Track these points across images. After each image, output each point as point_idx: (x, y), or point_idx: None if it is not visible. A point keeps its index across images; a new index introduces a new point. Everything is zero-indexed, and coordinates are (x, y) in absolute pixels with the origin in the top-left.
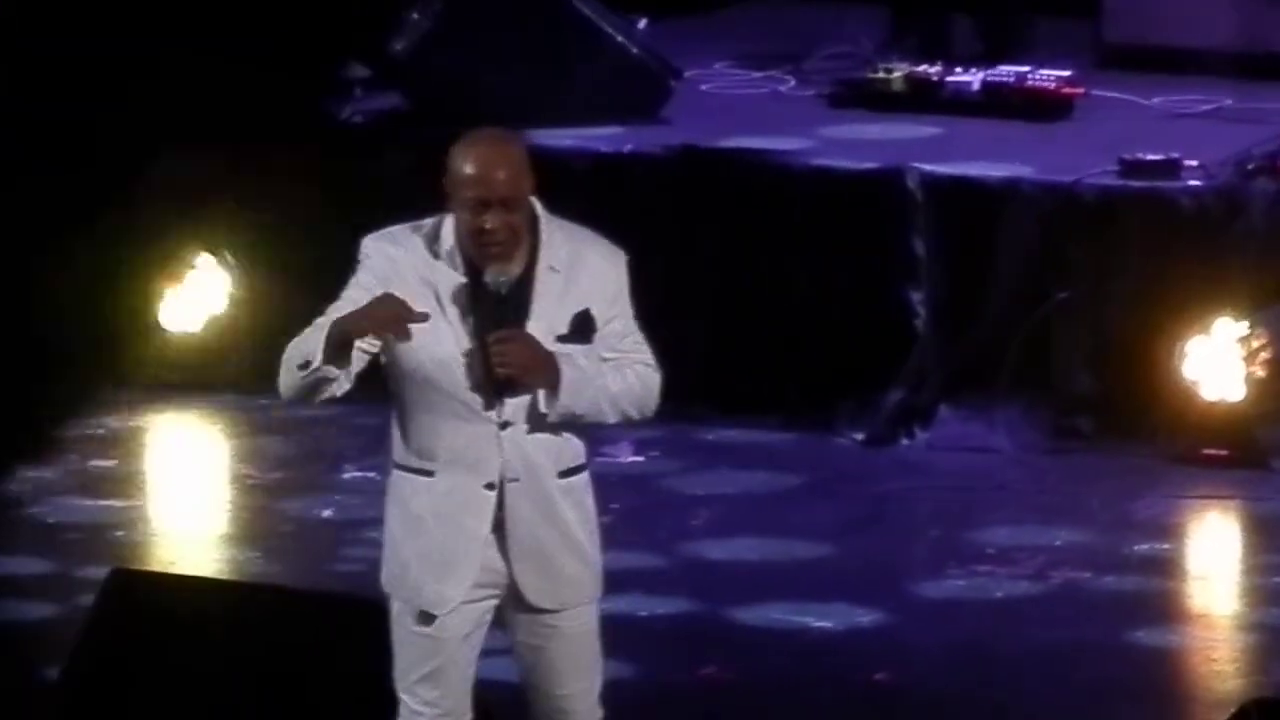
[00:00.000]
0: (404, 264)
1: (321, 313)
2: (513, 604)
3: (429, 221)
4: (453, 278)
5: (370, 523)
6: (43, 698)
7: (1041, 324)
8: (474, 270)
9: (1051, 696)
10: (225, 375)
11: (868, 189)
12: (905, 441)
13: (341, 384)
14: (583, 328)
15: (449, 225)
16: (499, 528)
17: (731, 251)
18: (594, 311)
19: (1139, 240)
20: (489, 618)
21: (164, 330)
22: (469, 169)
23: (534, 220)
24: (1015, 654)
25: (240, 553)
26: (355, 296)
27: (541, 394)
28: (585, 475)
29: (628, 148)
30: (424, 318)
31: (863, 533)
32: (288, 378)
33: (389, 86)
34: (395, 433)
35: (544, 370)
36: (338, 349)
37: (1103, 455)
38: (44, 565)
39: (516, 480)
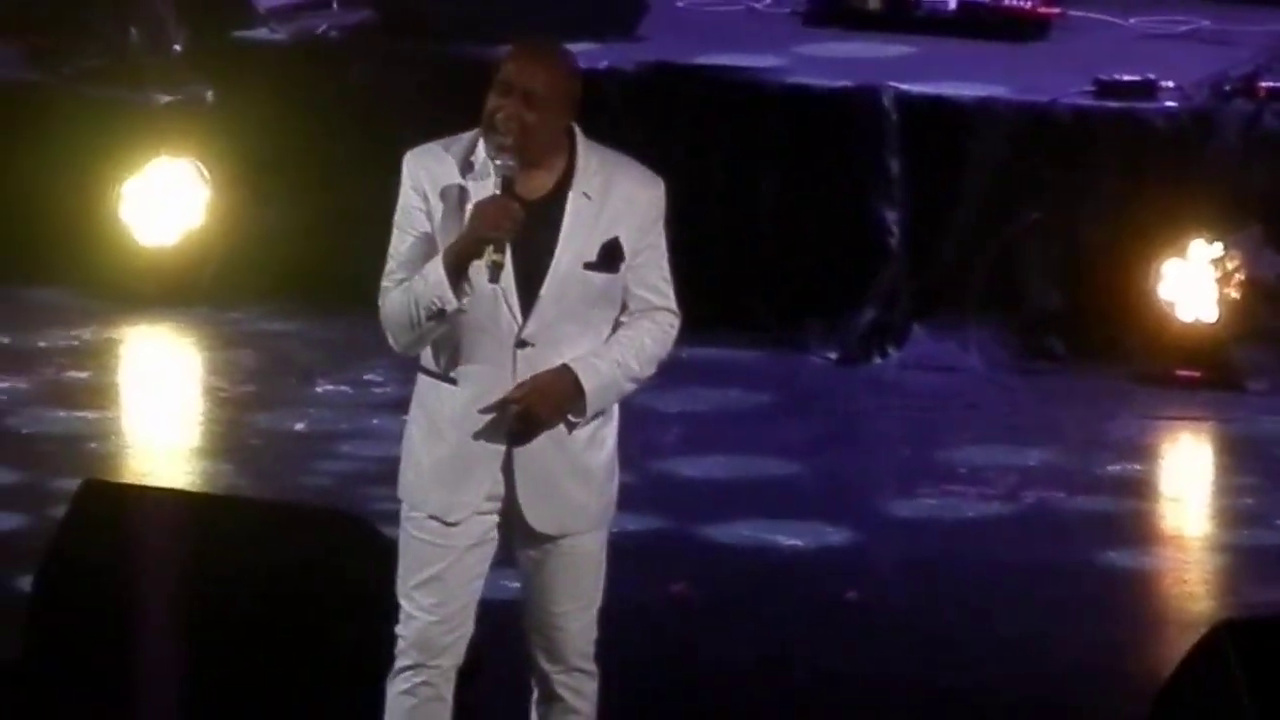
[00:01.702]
0: (441, 177)
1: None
2: (516, 522)
3: (465, 135)
4: (484, 189)
5: (342, 436)
6: (13, 607)
7: (1014, 244)
8: (507, 183)
9: (1022, 617)
10: (198, 289)
11: (842, 107)
12: (877, 360)
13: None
14: (611, 256)
15: (483, 139)
16: (508, 446)
17: (705, 169)
18: (624, 240)
19: (1114, 161)
20: (495, 535)
21: (136, 242)
22: (510, 59)
23: (571, 146)
24: (986, 574)
25: (212, 465)
26: (411, 218)
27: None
28: (609, 409)
29: (603, 64)
30: (520, 213)
31: (834, 451)
32: (411, 334)
33: (363, 2)
34: None
35: (566, 408)
36: (460, 278)
37: (1075, 375)
38: (16, 476)
39: None
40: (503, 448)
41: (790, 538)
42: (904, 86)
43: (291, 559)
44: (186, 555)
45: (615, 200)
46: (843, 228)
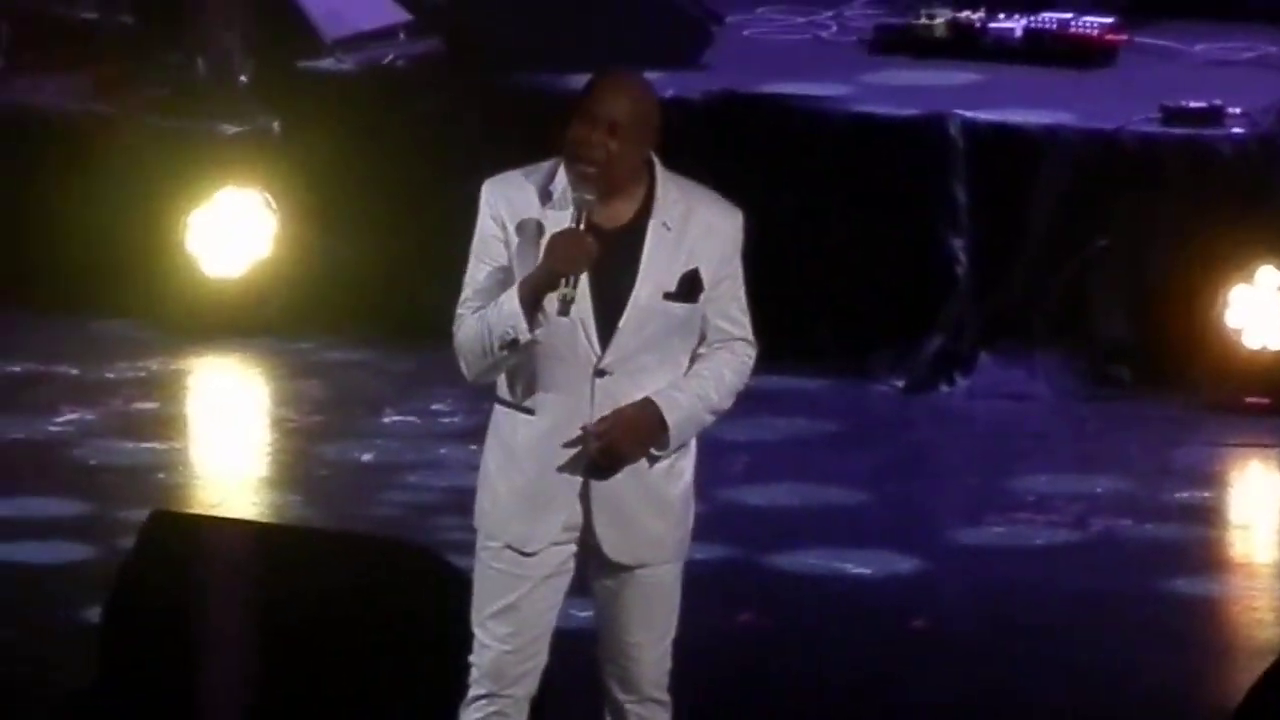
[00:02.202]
0: (521, 207)
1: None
2: (592, 551)
3: (545, 165)
4: (563, 220)
5: (409, 466)
6: (82, 637)
7: (1082, 271)
8: (583, 215)
9: (1091, 645)
10: (265, 319)
11: (909, 135)
12: (944, 388)
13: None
14: (690, 288)
15: (563, 168)
16: (586, 477)
17: (771, 198)
18: (703, 272)
19: (1181, 188)
20: (571, 566)
21: (203, 273)
22: (592, 89)
23: (651, 175)
24: (1054, 602)
25: (279, 495)
26: (488, 247)
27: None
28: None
29: (669, 93)
30: (595, 247)
31: (901, 480)
32: (483, 362)
33: (430, 31)
34: None
35: (649, 442)
36: (534, 310)
37: (1142, 403)
38: (84, 507)
39: None
40: (580, 478)
41: (858, 566)
42: (970, 114)
43: (359, 589)
44: (254, 585)
45: (695, 230)
46: (909, 256)
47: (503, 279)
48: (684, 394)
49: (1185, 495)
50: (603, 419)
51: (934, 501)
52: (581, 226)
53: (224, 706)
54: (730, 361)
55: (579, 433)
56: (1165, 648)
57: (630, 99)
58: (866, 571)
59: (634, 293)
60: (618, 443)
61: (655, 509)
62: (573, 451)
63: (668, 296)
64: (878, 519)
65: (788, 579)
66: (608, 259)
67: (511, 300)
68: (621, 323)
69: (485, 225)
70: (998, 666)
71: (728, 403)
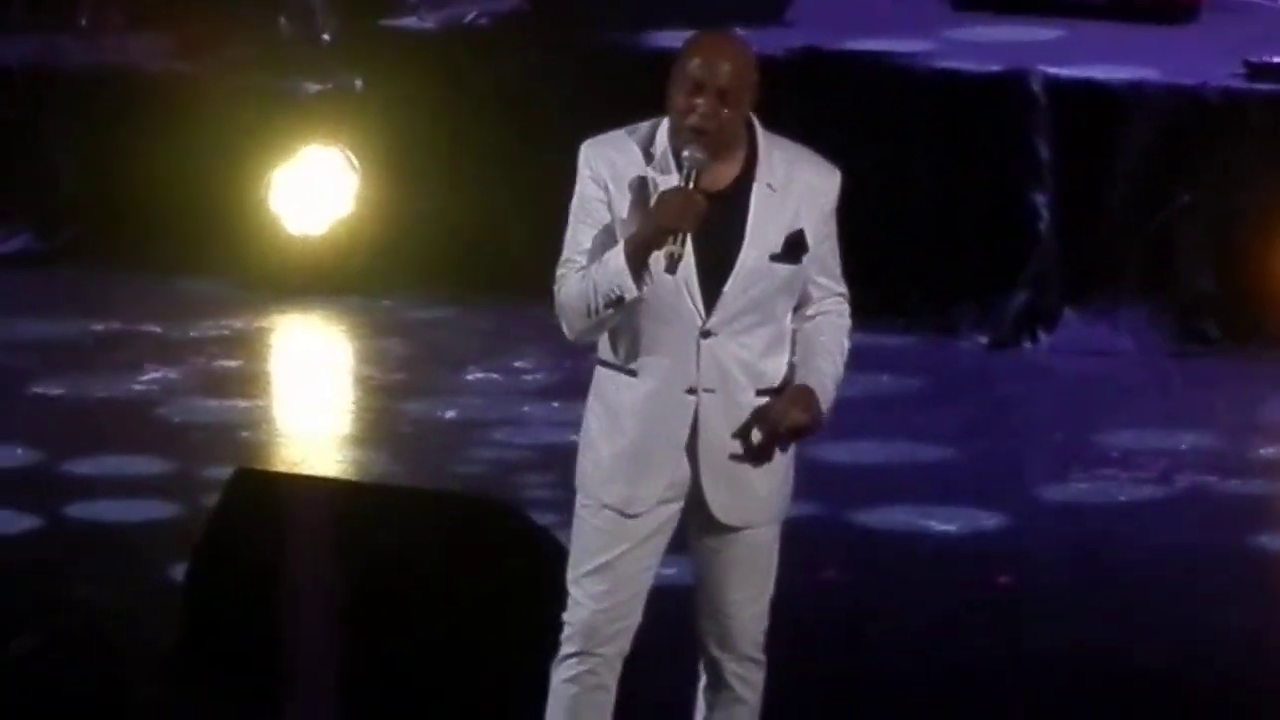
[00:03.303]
0: (623, 168)
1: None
2: (697, 511)
3: (644, 125)
4: (669, 181)
5: (494, 424)
6: (167, 595)
7: (1166, 227)
8: (694, 175)
9: (1174, 601)
10: (348, 277)
11: (991, 91)
12: (1028, 344)
13: None
14: (795, 248)
15: (664, 128)
16: (692, 437)
17: (854, 154)
18: (807, 232)
19: (1265, 143)
20: (673, 524)
21: (286, 231)
22: (694, 55)
23: (752, 136)
24: (1138, 558)
25: (363, 453)
26: (590, 209)
27: None
28: None
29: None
30: (705, 205)
31: (985, 436)
32: (586, 321)
33: None
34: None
35: (821, 414)
36: (641, 268)
37: (1228, 358)
38: (169, 465)
39: (711, 391)
40: (684, 439)
41: (943, 523)
42: (1054, 70)
43: (444, 546)
44: (339, 542)
45: (798, 191)
46: (993, 212)
47: (605, 240)
48: (828, 377)
49: (1271, 451)
50: (785, 407)
51: (1019, 458)
52: (690, 185)
53: (310, 664)
54: (844, 328)
55: (683, 396)
56: (1249, 603)
57: (735, 62)
58: (952, 528)
59: (741, 255)
60: (809, 421)
61: (762, 469)
62: (676, 411)
63: (773, 258)
64: (963, 475)
65: (873, 536)
66: (711, 221)
67: (617, 258)
68: (728, 285)
69: (586, 187)
70: (1084, 622)
71: (843, 365)
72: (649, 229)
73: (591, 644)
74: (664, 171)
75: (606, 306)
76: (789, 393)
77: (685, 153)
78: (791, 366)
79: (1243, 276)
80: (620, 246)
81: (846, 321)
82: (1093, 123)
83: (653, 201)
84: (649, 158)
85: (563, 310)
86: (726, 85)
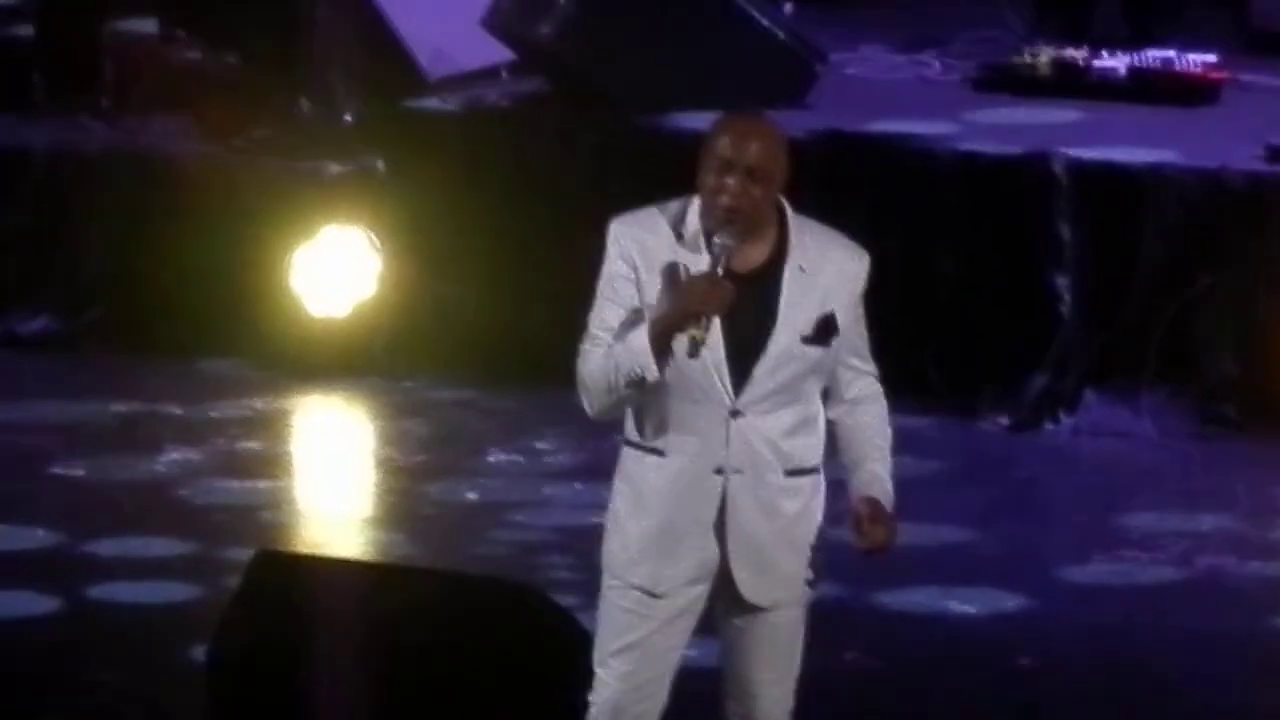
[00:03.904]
0: (652, 248)
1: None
2: (724, 591)
3: (675, 203)
4: (698, 262)
5: (514, 505)
6: (187, 677)
7: (1188, 310)
8: (723, 260)
9: (1196, 684)
10: (370, 359)
11: (1013, 174)
12: (1050, 427)
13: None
14: (826, 330)
15: (694, 207)
16: (720, 518)
17: (875, 236)
18: (838, 314)
19: None
20: (701, 605)
21: (307, 312)
22: (724, 134)
23: (782, 218)
24: (1159, 640)
25: (384, 535)
26: (618, 287)
27: None
28: (816, 478)
29: None
30: (733, 292)
31: (1006, 518)
32: (607, 399)
33: (534, 70)
34: (628, 410)
35: (896, 528)
36: (664, 350)
37: (1249, 441)
38: (189, 546)
39: (740, 472)
40: (712, 519)
41: (963, 604)
42: (1075, 152)
43: (466, 628)
44: (361, 625)
45: (829, 273)
46: (1015, 294)
47: (632, 320)
48: (886, 481)
49: None
50: (868, 528)
51: (1040, 540)
52: (720, 271)
53: None
54: (884, 415)
55: (711, 476)
56: (1271, 687)
57: (764, 141)
58: (973, 610)
59: (773, 337)
60: (887, 538)
61: (789, 549)
62: (703, 493)
63: (804, 340)
64: (984, 557)
65: (894, 617)
66: (741, 302)
67: (641, 338)
68: (758, 367)
69: (615, 266)
70: (1105, 706)
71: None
72: (675, 312)
73: None
74: (694, 251)
75: (627, 386)
76: (863, 512)
77: (716, 239)
78: (828, 457)
79: (1263, 359)
80: (644, 327)
81: (884, 405)
82: (1114, 205)
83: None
84: (679, 236)
85: (584, 386)
86: (755, 164)
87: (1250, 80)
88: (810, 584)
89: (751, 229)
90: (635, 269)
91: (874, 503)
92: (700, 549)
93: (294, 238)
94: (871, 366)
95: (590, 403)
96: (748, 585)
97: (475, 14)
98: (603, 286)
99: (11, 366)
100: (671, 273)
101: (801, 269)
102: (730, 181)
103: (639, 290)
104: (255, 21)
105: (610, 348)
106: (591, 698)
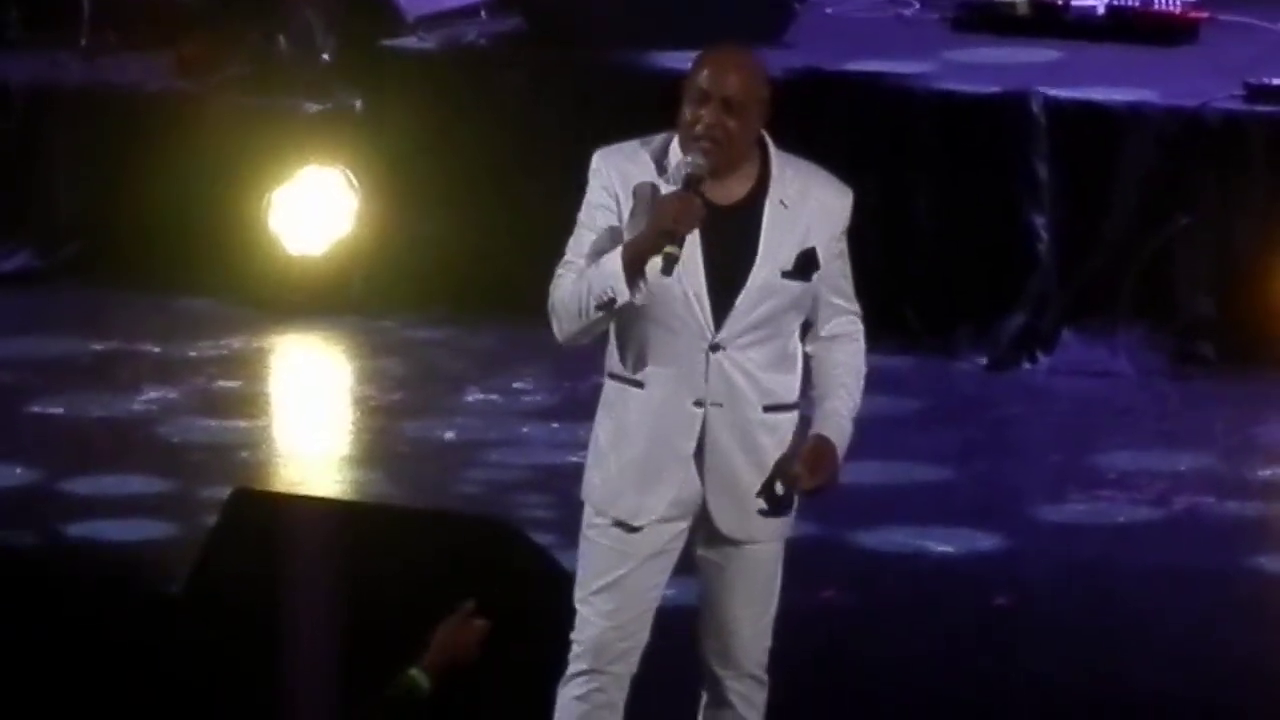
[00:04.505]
0: (635, 179)
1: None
2: (703, 526)
3: (658, 138)
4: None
5: (491, 444)
6: (165, 615)
7: (1164, 248)
8: (691, 180)
9: (1175, 621)
10: (347, 297)
11: (991, 113)
12: (1027, 366)
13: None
14: (806, 265)
15: (676, 142)
16: (699, 451)
17: (853, 175)
18: (819, 250)
19: (1264, 165)
20: (680, 543)
21: (285, 251)
22: (703, 67)
23: (764, 153)
24: (1137, 579)
25: (361, 473)
26: (596, 216)
27: None
28: (794, 415)
29: None
30: (703, 209)
31: (983, 457)
32: (577, 322)
33: (512, 9)
34: (611, 342)
35: (838, 473)
36: (636, 273)
37: (1225, 380)
38: (167, 484)
39: (719, 405)
40: (691, 451)
41: (940, 544)
42: (1053, 91)
43: (442, 565)
44: (337, 563)
45: (811, 208)
46: (992, 233)
47: (607, 247)
48: (846, 419)
49: (1268, 472)
50: (800, 462)
51: (1017, 479)
52: (690, 190)
53: (306, 685)
54: (859, 352)
55: (690, 408)
56: (1249, 624)
57: (744, 76)
58: (950, 549)
59: (753, 271)
60: (827, 470)
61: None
62: (683, 424)
63: (785, 274)
64: (961, 496)
65: (872, 556)
66: (722, 235)
67: (614, 260)
68: (739, 300)
69: (596, 195)
70: (1081, 643)
71: (859, 393)
72: (648, 233)
73: (601, 661)
74: (676, 184)
75: (598, 309)
76: (808, 446)
77: (686, 158)
78: (805, 393)
79: (1241, 298)
80: (618, 250)
81: (861, 344)
82: (1092, 144)
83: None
84: (661, 170)
85: (554, 310)
86: (731, 95)
87: (1229, 19)
88: (782, 511)
89: (729, 161)
90: (616, 199)
91: (821, 441)
92: (679, 481)
93: (271, 176)
94: (854, 305)
95: (560, 327)
96: (724, 519)
97: None
98: (582, 216)
99: None
100: (651, 201)
101: (783, 203)
102: (704, 112)
103: (619, 219)
104: None
105: (583, 272)
106: (574, 636)
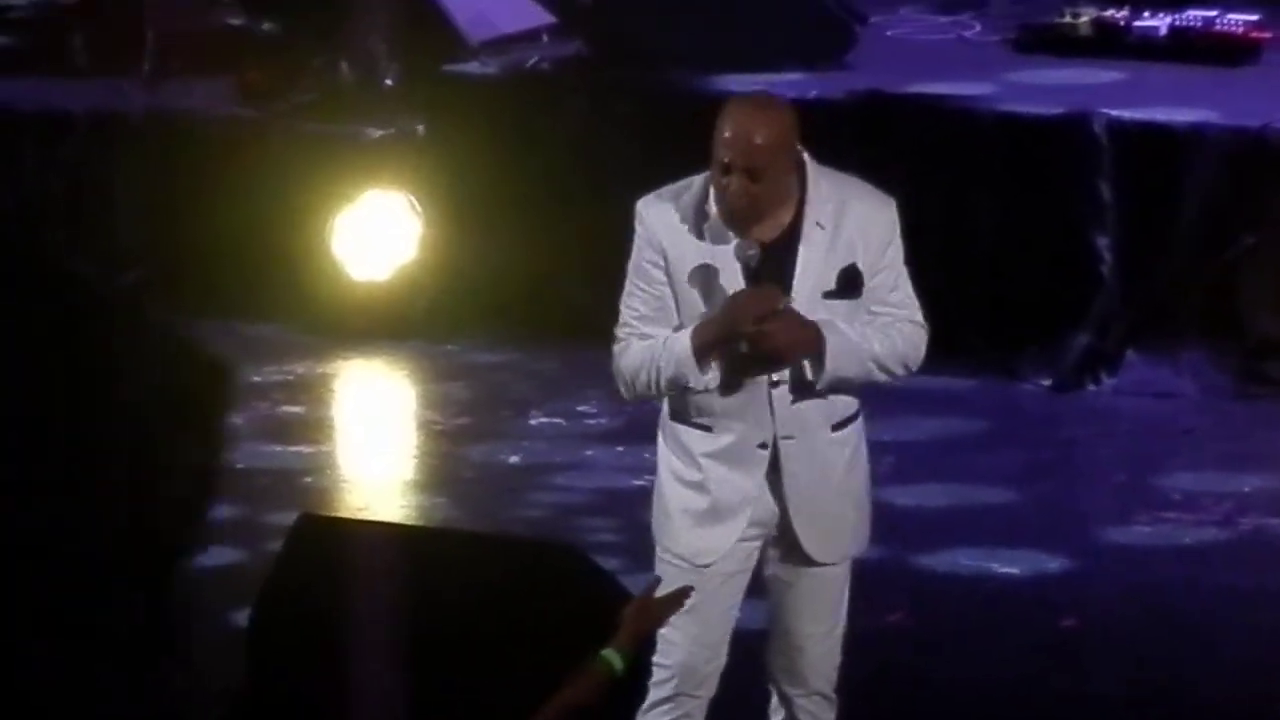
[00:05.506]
0: (677, 234)
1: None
2: (776, 544)
3: (697, 182)
4: (722, 255)
5: (556, 468)
6: (231, 641)
7: (1229, 269)
8: (752, 273)
9: (1242, 642)
10: (411, 322)
11: (1053, 134)
12: (1091, 387)
13: None
14: (850, 283)
15: (713, 193)
16: (776, 481)
17: (916, 198)
18: (861, 265)
19: None
20: (754, 560)
21: (349, 276)
22: (725, 131)
23: (802, 175)
24: (1204, 600)
25: (426, 498)
26: (647, 274)
27: (807, 363)
28: (858, 424)
29: (812, 94)
30: (779, 297)
31: (1049, 479)
32: (646, 392)
33: (574, 33)
34: None
35: (808, 344)
36: (707, 360)
37: None
38: (233, 510)
39: (790, 438)
40: (759, 491)
41: (1006, 566)
42: (1115, 112)
43: (507, 592)
44: (403, 588)
45: (849, 226)
46: (1056, 255)
47: (661, 305)
48: (848, 326)
49: None
50: (785, 313)
51: (1082, 500)
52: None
53: (373, 711)
54: (904, 330)
55: (754, 450)
56: None
57: (764, 140)
58: (1015, 571)
59: (792, 298)
60: (780, 327)
61: (847, 501)
62: (754, 463)
63: (827, 295)
64: (1026, 518)
65: (937, 579)
66: (767, 268)
67: (684, 347)
68: None
69: (642, 250)
70: (1147, 665)
71: (895, 366)
72: (721, 330)
73: (689, 686)
74: (718, 242)
75: (670, 389)
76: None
77: (735, 247)
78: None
79: None
80: (688, 333)
81: (911, 330)
82: (1155, 165)
83: (712, 285)
84: (703, 217)
85: (621, 377)
86: (752, 165)
87: None
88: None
89: (763, 214)
90: (663, 253)
91: (808, 320)
92: (747, 517)
93: (335, 202)
94: (912, 314)
95: (628, 392)
96: (813, 544)
97: None
98: (632, 269)
99: None
100: (698, 265)
101: (819, 225)
102: (730, 181)
103: (667, 273)
104: None
105: (650, 346)
106: (658, 659)
